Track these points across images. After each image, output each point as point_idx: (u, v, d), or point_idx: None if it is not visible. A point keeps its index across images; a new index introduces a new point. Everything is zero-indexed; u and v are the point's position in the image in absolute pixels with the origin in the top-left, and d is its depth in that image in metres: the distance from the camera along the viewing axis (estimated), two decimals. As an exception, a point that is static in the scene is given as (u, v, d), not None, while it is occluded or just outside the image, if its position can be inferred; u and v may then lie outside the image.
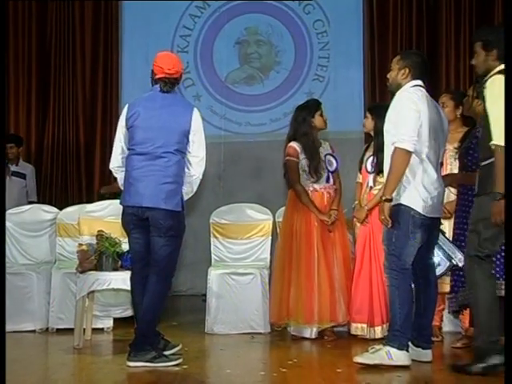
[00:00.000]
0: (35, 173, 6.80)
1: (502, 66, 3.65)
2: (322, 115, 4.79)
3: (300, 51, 7.29)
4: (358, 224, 4.75)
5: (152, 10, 7.29)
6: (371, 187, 4.72)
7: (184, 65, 7.31)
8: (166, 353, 4.01)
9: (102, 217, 5.09)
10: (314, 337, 4.68)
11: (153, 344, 3.94)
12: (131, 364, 3.86)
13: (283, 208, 5.14)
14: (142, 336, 3.92)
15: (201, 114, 4.01)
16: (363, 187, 4.80)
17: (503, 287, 4.04)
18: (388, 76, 4.01)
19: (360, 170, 4.86)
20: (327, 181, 4.78)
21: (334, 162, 4.82)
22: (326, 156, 4.79)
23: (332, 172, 4.80)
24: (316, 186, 4.78)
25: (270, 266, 5.12)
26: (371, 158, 4.73)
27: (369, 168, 4.74)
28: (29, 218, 5.47)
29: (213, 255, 5.38)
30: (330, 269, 4.65)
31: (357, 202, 4.80)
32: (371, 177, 4.73)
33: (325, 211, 4.70)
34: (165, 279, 3.98)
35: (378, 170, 4.65)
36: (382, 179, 4.69)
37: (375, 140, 4.72)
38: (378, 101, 6.84)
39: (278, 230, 5.25)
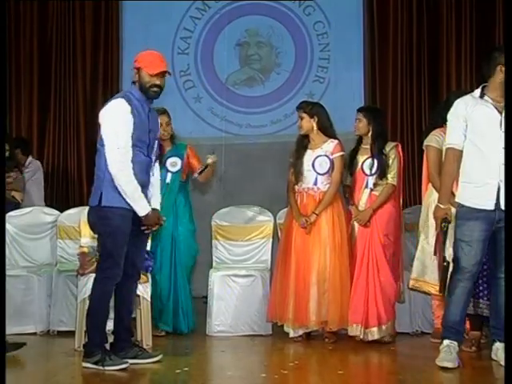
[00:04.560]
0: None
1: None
2: (301, 118, 4.80)
3: (300, 53, 7.28)
4: (356, 228, 4.72)
5: (152, 12, 7.30)
6: (371, 189, 4.71)
7: (185, 67, 7.38)
8: (140, 361, 4.01)
9: (103, 219, 5.08)
10: (290, 336, 4.67)
11: (99, 346, 3.91)
12: (83, 364, 3.92)
13: (284, 210, 5.15)
14: (87, 338, 3.99)
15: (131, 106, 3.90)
16: (357, 189, 4.76)
17: (481, 306, 4.25)
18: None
19: (350, 172, 4.81)
20: (315, 183, 4.76)
21: (327, 163, 4.74)
22: (318, 157, 4.75)
23: (322, 174, 4.75)
24: (300, 187, 4.78)
25: (271, 267, 5.12)
26: (369, 161, 4.72)
27: (367, 171, 4.73)
28: (30, 220, 5.45)
29: (214, 257, 5.38)
30: (306, 272, 4.63)
31: (353, 206, 4.75)
32: (371, 179, 4.71)
33: (304, 213, 4.69)
34: (96, 280, 3.95)
35: (381, 173, 4.64)
36: (384, 181, 4.69)
37: (376, 142, 4.73)
38: (378, 102, 6.85)
39: (278, 231, 5.25)
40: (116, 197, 3.85)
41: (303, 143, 4.83)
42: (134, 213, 3.90)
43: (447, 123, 4.07)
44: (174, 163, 5.08)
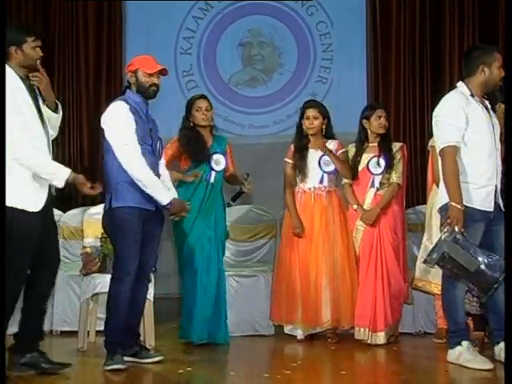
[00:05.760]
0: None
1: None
2: (308, 118, 4.77)
3: (303, 53, 7.29)
4: (361, 228, 4.70)
5: (155, 12, 7.31)
6: (378, 188, 4.70)
7: (187, 67, 7.38)
8: (138, 360, 4.04)
9: (106, 219, 5.08)
10: (299, 338, 4.67)
11: (111, 345, 3.94)
12: None
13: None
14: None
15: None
16: (361, 189, 4.74)
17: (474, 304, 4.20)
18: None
19: (353, 170, 4.76)
20: (321, 181, 4.76)
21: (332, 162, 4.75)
22: (323, 156, 4.74)
23: (328, 173, 4.75)
24: (305, 186, 4.78)
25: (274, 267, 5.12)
26: (375, 159, 4.72)
27: (372, 169, 4.72)
28: (33, 220, 5.45)
29: (217, 257, 5.37)
30: (318, 271, 4.63)
31: (358, 206, 4.71)
32: (377, 178, 4.70)
33: (311, 213, 4.70)
34: (111, 280, 3.99)
35: (388, 170, 4.65)
36: (390, 180, 4.69)
37: (387, 140, 4.74)
38: (381, 102, 6.84)
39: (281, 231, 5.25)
40: (124, 197, 3.90)
41: (303, 143, 4.83)
42: (145, 213, 3.93)
43: (440, 120, 3.94)
44: (217, 161, 4.68)
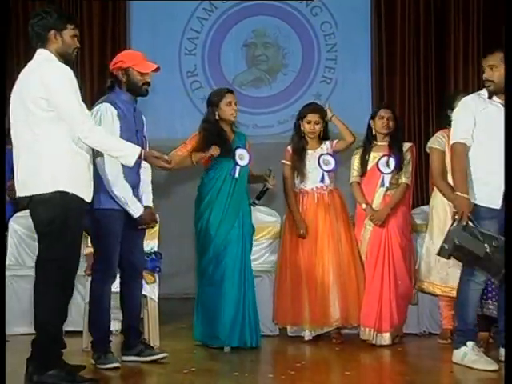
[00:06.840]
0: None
1: None
2: (310, 122, 4.77)
3: (307, 53, 7.29)
4: (370, 227, 4.68)
5: (159, 12, 7.30)
6: (388, 188, 4.68)
7: (192, 67, 7.38)
8: (142, 359, 4.04)
9: (110, 219, 5.07)
10: (306, 339, 4.66)
11: (98, 345, 3.98)
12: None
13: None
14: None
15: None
16: (370, 188, 4.73)
17: (490, 307, 4.22)
18: (491, 77, 3.89)
19: (362, 169, 4.77)
20: (321, 180, 4.76)
21: (331, 161, 4.75)
22: (321, 156, 4.76)
23: (328, 171, 4.76)
24: (306, 186, 4.78)
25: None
26: (385, 158, 4.70)
27: (382, 168, 4.70)
28: (37, 220, 5.45)
29: (221, 257, 5.36)
30: (324, 271, 4.62)
31: (367, 205, 4.68)
32: (387, 177, 4.69)
33: (314, 214, 4.70)
34: (92, 281, 4.02)
35: (399, 171, 4.64)
36: (398, 180, 4.68)
37: (398, 140, 4.74)
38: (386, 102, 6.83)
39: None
40: (107, 199, 3.88)
41: (301, 144, 4.84)
42: (127, 213, 3.92)
43: (453, 119, 4.00)
44: (241, 156, 4.58)
